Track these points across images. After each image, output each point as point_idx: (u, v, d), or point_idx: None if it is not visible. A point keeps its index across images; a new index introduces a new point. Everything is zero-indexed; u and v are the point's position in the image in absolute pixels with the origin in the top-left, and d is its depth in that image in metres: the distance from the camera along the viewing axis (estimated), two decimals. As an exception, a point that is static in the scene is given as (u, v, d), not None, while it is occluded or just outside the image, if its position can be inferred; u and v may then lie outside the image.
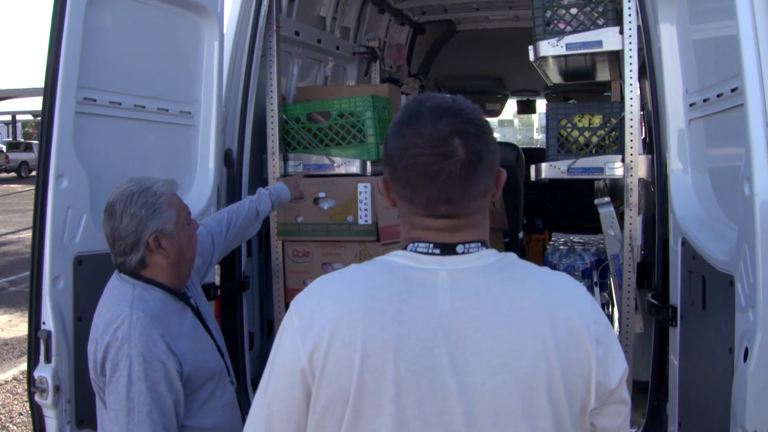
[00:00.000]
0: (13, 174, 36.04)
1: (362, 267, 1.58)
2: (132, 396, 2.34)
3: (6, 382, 7.08)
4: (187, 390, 2.50)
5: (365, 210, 4.08)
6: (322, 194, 4.16)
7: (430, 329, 1.45)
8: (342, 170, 4.25)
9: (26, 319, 2.94)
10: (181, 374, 2.46)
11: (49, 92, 2.87)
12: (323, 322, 1.47)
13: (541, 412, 1.45)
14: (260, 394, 1.55)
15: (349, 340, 1.45)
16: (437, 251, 1.53)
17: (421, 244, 1.54)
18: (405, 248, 1.57)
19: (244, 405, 2.60)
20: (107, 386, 2.40)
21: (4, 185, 31.23)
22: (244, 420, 2.71)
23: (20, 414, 6.26)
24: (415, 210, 1.54)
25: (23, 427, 5.99)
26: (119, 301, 2.49)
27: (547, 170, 4.02)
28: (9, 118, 47.23)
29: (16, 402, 6.54)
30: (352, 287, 1.52)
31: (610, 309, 4.79)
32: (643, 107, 4.25)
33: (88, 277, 2.96)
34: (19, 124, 50.19)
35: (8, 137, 47.80)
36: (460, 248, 1.53)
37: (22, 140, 42.77)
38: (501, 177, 1.59)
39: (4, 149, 37.97)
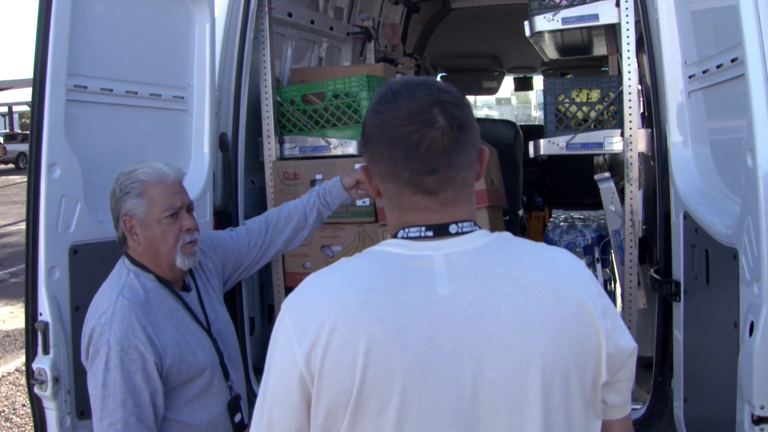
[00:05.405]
0: (11, 165, 35.97)
1: (353, 260, 1.52)
2: (107, 383, 2.35)
3: (9, 373, 7.07)
4: (173, 384, 2.49)
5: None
6: (319, 176, 4.11)
7: (431, 317, 1.40)
8: (339, 151, 4.21)
9: (26, 311, 2.92)
10: (161, 367, 2.43)
11: (38, 80, 2.83)
12: (319, 320, 1.41)
13: (553, 391, 1.42)
14: (260, 401, 1.49)
15: (348, 336, 1.39)
16: (430, 233, 1.48)
17: (412, 229, 1.49)
18: (395, 236, 1.52)
19: (250, 394, 2.54)
20: (88, 371, 2.43)
21: (3, 177, 31.17)
22: (232, 419, 2.67)
23: (23, 405, 6.25)
24: (401, 189, 1.49)
25: (27, 419, 5.97)
26: (111, 285, 2.51)
27: (546, 146, 3.98)
28: (6, 109, 47.19)
29: (19, 393, 6.53)
30: (345, 281, 1.46)
31: (613, 285, 4.77)
32: (641, 80, 4.20)
33: (84, 267, 2.94)
34: (16, 115, 50.11)
35: (5, 128, 47.76)
36: (453, 228, 1.49)
37: (20, 131, 42.57)
38: (484, 154, 1.56)
39: (2, 140, 37.90)
